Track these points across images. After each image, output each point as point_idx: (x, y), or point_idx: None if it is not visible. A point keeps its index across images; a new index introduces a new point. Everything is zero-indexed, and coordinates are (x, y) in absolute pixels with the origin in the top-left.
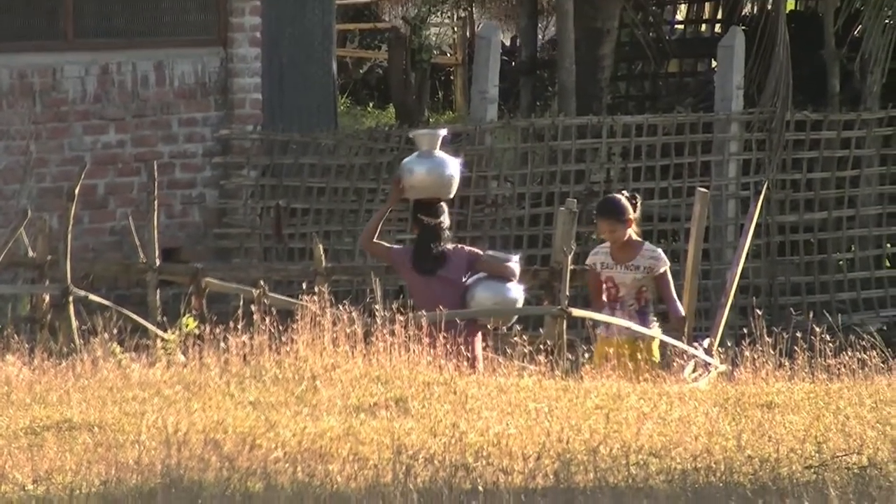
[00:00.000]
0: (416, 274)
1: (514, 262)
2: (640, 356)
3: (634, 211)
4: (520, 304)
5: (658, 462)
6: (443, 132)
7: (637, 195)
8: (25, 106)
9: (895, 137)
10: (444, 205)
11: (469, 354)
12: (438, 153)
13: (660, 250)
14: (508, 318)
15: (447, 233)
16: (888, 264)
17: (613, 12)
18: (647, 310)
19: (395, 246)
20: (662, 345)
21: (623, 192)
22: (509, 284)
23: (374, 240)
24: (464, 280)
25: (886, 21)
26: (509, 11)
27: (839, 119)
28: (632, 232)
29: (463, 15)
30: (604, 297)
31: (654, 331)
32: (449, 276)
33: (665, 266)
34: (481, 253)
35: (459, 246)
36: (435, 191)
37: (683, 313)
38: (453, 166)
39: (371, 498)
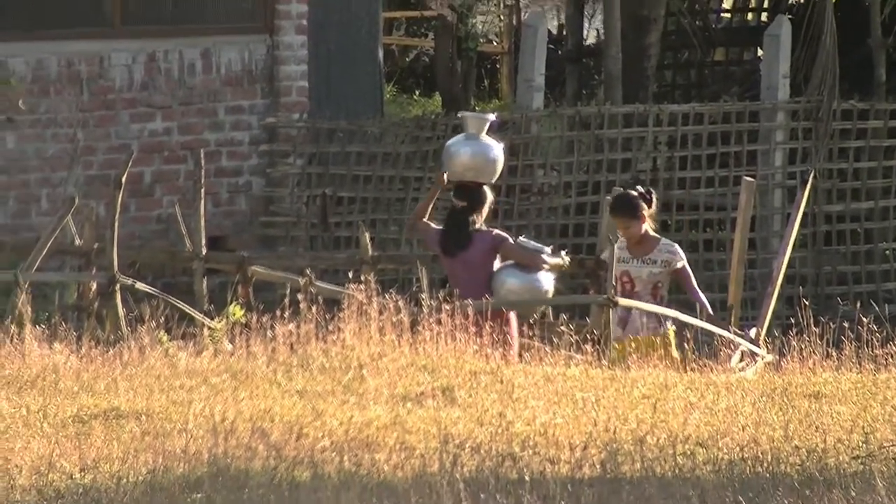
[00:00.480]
0: (442, 254)
1: (546, 255)
2: (665, 352)
3: (649, 206)
4: (549, 294)
5: (705, 452)
6: (491, 117)
7: (652, 190)
8: (73, 93)
9: None
10: (486, 189)
11: (508, 338)
12: (484, 137)
13: (676, 245)
14: (536, 308)
15: (478, 216)
16: None
17: (660, 0)
18: (663, 306)
19: (436, 227)
20: (704, 333)
21: (637, 187)
22: (539, 273)
23: (424, 219)
24: (490, 263)
25: None
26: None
27: (886, 108)
28: (648, 227)
29: (510, 3)
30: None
31: (694, 320)
32: (471, 259)
33: (683, 261)
34: (510, 239)
35: (487, 229)
36: (477, 174)
37: (710, 309)
38: (497, 151)
39: (418, 487)
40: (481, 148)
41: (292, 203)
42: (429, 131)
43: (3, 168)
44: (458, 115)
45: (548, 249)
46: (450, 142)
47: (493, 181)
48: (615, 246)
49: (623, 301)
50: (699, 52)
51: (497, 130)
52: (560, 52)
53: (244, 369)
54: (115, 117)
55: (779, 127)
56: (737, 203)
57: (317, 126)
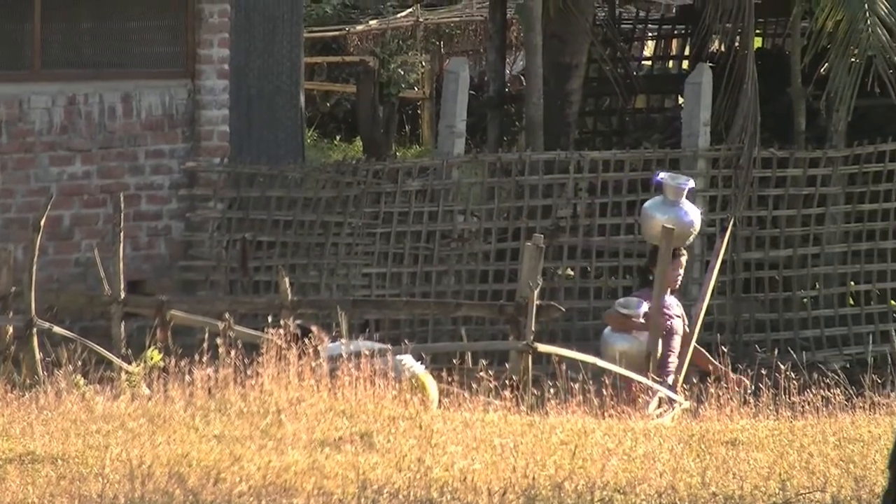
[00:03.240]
0: None
1: (614, 310)
2: None
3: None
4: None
5: (623, 498)
6: (690, 182)
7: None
8: None
9: (860, 175)
10: (680, 252)
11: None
12: (682, 202)
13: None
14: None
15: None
16: (852, 302)
17: (582, 48)
18: None
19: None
20: (621, 379)
21: (298, 322)
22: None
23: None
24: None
25: (852, 60)
26: (477, 46)
27: (805, 157)
28: None
29: (431, 49)
30: None
31: (612, 366)
32: None
33: None
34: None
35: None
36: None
37: None
38: (694, 216)
39: None
40: (678, 214)
41: (212, 247)
42: (349, 176)
43: None
44: (659, 177)
45: (618, 303)
46: (647, 204)
47: (687, 244)
48: None
49: (542, 347)
50: (620, 100)
51: (694, 192)
52: (481, 98)
53: (162, 413)
54: (34, 160)
55: (699, 174)
56: None
57: (237, 170)
